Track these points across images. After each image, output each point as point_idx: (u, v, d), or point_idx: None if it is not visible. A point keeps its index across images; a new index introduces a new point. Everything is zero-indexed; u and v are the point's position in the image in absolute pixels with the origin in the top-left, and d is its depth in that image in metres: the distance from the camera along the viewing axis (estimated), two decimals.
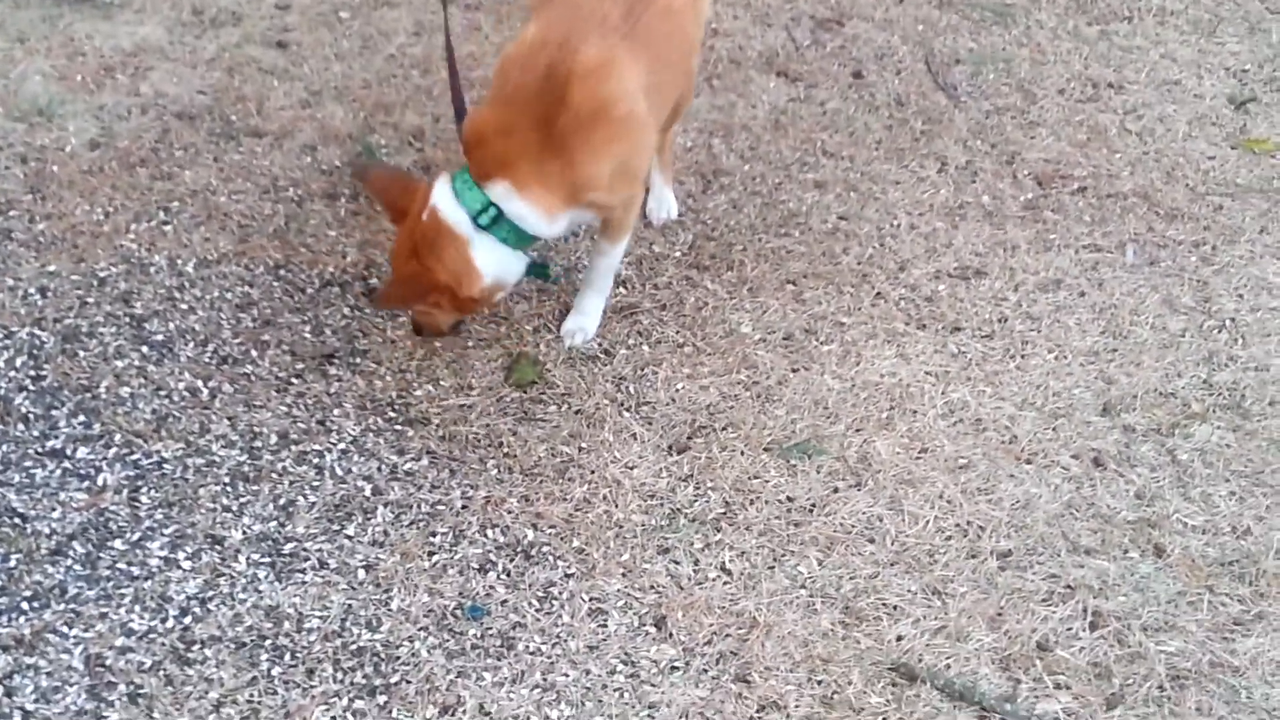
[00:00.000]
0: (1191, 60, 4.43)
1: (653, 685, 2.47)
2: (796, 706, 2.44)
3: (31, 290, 3.20)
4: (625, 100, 2.80)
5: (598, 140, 2.78)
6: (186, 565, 2.61)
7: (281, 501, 2.76)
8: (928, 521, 2.83)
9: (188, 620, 2.51)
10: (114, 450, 2.82)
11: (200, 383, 3.01)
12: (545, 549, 2.73)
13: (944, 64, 4.35)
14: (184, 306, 3.21)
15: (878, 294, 3.43)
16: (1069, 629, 2.63)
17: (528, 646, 2.53)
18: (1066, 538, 2.81)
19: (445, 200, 2.84)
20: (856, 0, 4.66)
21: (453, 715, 2.40)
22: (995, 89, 4.24)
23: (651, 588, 2.66)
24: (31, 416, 2.88)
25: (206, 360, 3.07)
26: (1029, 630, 2.62)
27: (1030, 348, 3.30)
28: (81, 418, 2.89)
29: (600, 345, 3.22)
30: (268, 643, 2.49)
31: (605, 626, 2.59)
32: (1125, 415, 3.12)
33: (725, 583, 2.68)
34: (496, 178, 2.80)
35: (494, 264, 2.88)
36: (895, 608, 2.66)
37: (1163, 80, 4.32)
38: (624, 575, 2.69)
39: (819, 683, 2.49)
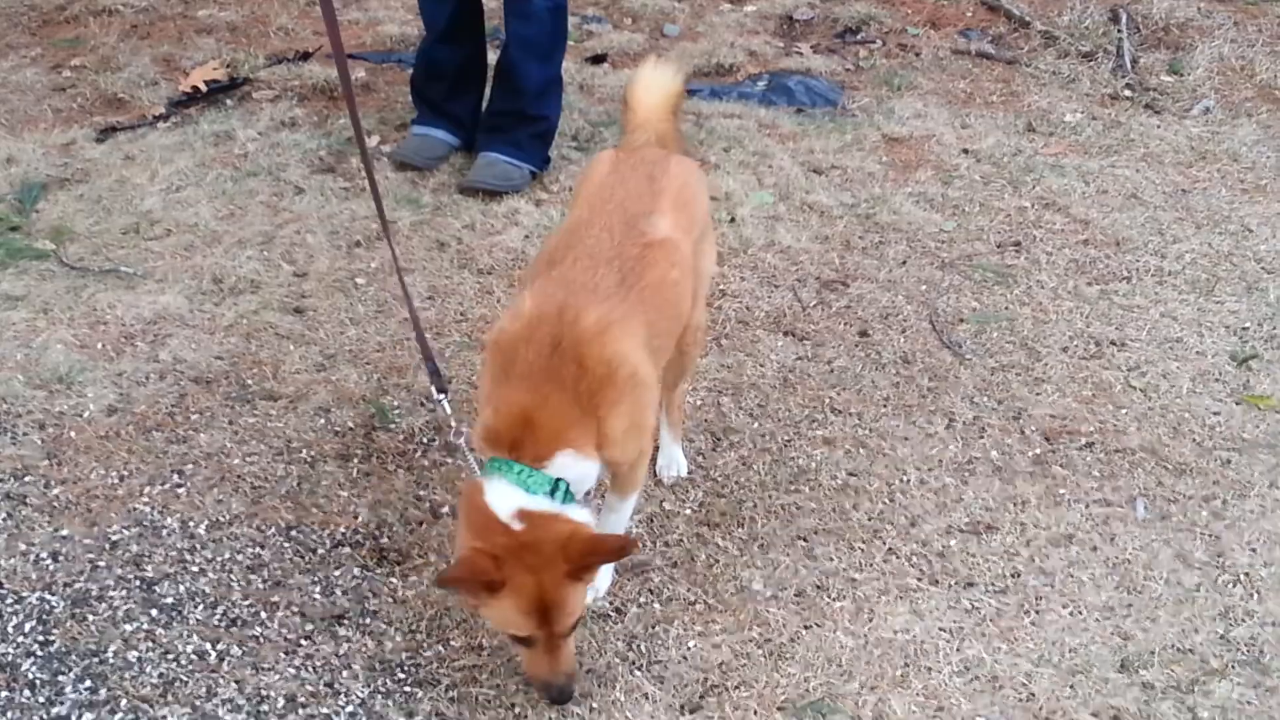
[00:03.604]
0: (1192, 318, 4.51)
1: None
2: None
3: (44, 555, 3.22)
4: (630, 360, 2.85)
5: (612, 398, 2.81)
6: None
7: None
8: None
9: None
10: (119, 716, 2.79)
11: (209, 645, 3.00)
12: None
13: (948, 323, 4.43)
14: (195, 569, 3.22)
15: (889, 550, 3.42)
16: None
17: None
18: None
19: (518, 497, 2.71)
20: (860, 262, 4.78)
21: None
22: (999, 347, 4.31)
23: None
24: (38, 682, 2.86)
25: (215, 623, 3.06)
26: None
27: (1045, 603, 3.27)
28: (88, 683, 2.86)
29: (611, 603, 3.20)
30: None
31: None
32: (1144, 672, 3.07)
33: None
34: (559, 449, 2.74)
35: (584, 515, 2.81)
36: None
37: (1164, 338, 4.39)
38: None
39: None
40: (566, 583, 2.65)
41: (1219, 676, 3.07)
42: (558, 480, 2.73)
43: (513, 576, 2.61)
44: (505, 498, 2.69)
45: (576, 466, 2.77)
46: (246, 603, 3.13)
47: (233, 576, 3.21)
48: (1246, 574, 3.38)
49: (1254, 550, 3.46)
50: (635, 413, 2.90)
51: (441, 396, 3.22)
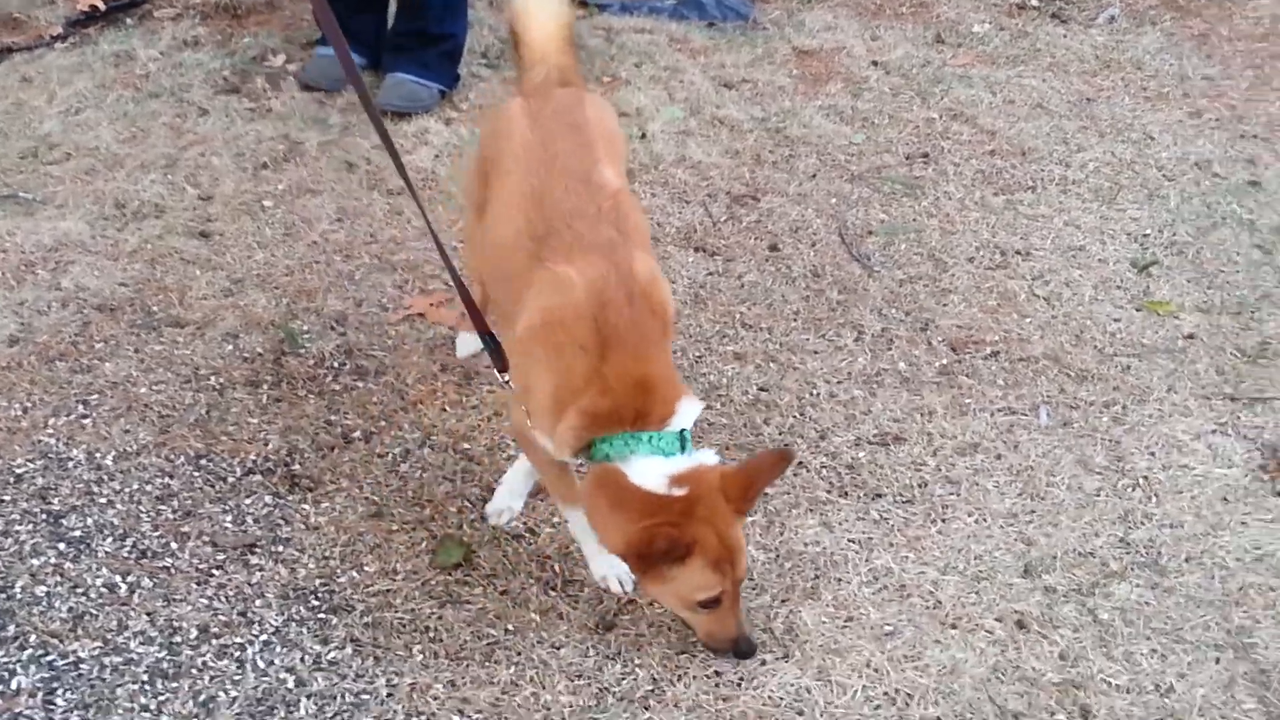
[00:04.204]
0: (1095, 227, 4.57)
1: None
2: None
3: None
4: (671, 298, 2.87)
5: (669, 337, 2.81)
6: None
7: (202, 698, 2.72)
8: (856, 691, 2.83)
9: None
10: (29, 652, 2.77)
11: (119, 578, 2.98)
12: None
13: (857, 235, 4.46)
14: (103, 500, 3.19)
15: (799, 463, 3.46)
16: None
17: None
18: (994, 702, 2.82)
19: (663, 464, 2.63)
20: (770, 176, 4.78)
21: None
22: (907, 258, 4.35)
23: None
24: None
25: (125, 555, 3.05)
26: None
27: (951, 512, 3.34)
28: None
29: (525, 524, 3.22)
30: None
31: None
32: (1046, 576, 3.15)
33: None
34: (678, 400, 2.69)
35: (714, 459, 2.73)
36: None
37: (1068, 246, 4.45)
38: None
39: None
40: (737, 523, 2.66)
41: (1118, 579, 3.15)
42: (681, 432, 2.68)
43: (697, 535, 2.58)
44: (653, 471, 2.62)
45: (692, 409, 2.72)
46: (156, 534, 3.12)
47: (142, 508, 3.19)
48: (1145, 478, 3.46)
49: (1152, 454, 3.55)
50: None
51: (506, 377, 2.99)
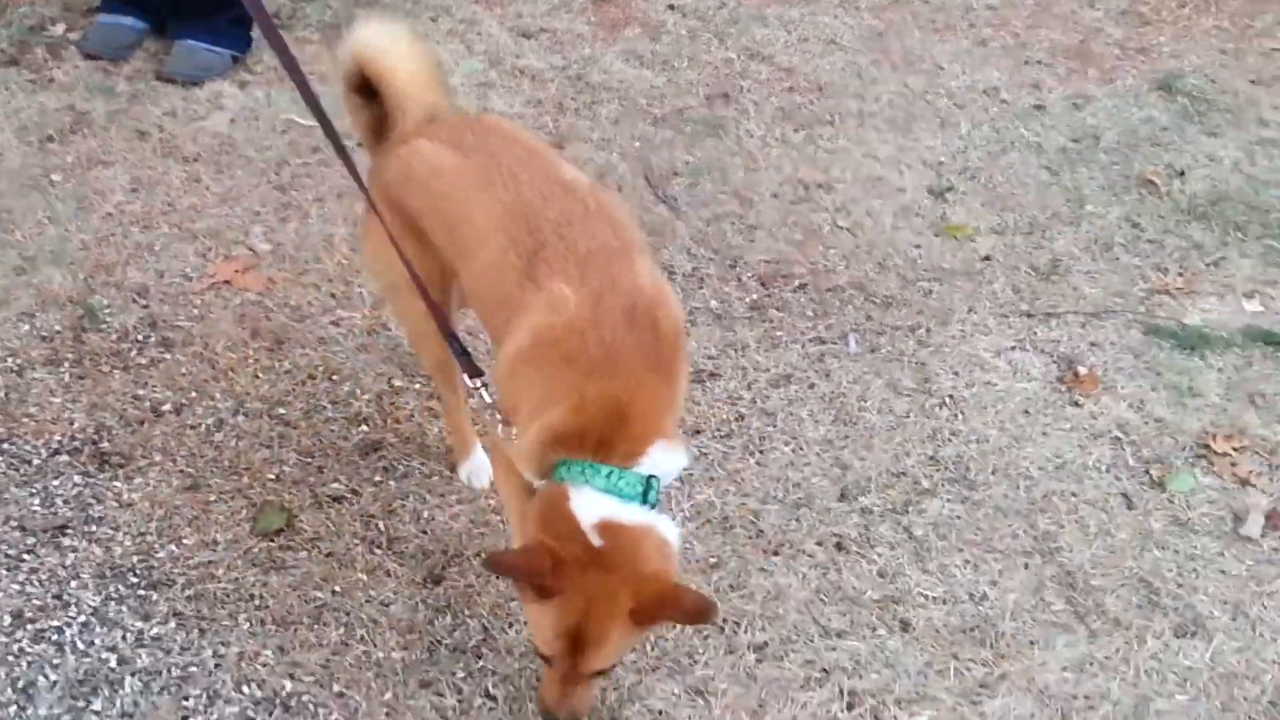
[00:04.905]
0: (892, 157, 4.68)
1: None
2: None
3: None
4: (681, 314, 2.63)
5: (681, 361, 2.54)
6: None
7: (20, 684, 2.65)
8: None
9: None
10: None
11: None
12: (305, 698, 2.69)
13: (663, 177, 4.50)
14: None
15: None
16: (827, 711, 2.73)
17: None
18: (818, 623, 2.91)
19: (610, 506, 2.35)
20: (574, 123, 4.78)
21: None
22: (713, 197, 4.40)
23: None
24: None
25: None
26: (790, 718, 2.68)
27: (768, 443, 3.41)
28: None
29: (347, 486, 3.20)
30: None
31: None
32: (862, 498, 3.25)
33: (490, 709, 2.68)
34: (653, 442, 2.40)
35: (674, 533, 2.44)
36: (661, 713, 2.70)
37: (867, 177, 4.56)
38: (388, 715, 2.66)
39: None
40: (622, 623, 2.31)
41: (930, 495, 3.27)
42: (649, 478, 2.39)
43: (567, 593, 2.29)
44: (593, 506, 2.34)
45: (667, 460, 2.43)
46: None
47: None
48: (950, 397, 3.59)
49: (956, 374, 3.67)
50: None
51: (479, 383, 2.76)
